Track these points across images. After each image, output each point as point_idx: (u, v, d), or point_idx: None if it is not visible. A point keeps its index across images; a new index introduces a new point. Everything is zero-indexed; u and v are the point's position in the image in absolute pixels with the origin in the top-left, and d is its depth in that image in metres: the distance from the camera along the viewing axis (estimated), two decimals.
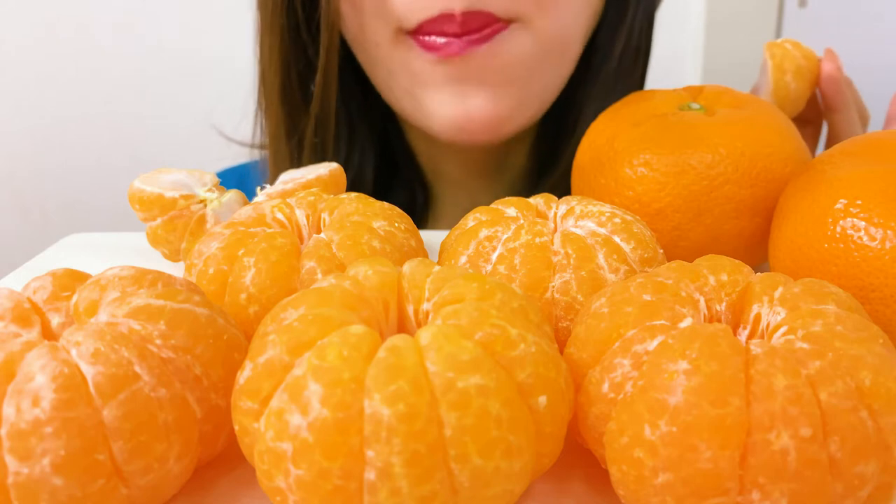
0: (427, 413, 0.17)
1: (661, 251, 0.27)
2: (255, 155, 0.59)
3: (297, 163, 0.52)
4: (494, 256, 0.26)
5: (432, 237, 0.35)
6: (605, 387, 0.20)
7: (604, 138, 0.36)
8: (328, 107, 0.48)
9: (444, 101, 0.45)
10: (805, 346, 0.19)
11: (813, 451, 0.17)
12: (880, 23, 0.84)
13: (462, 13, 0.41)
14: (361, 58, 0.49)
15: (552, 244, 0.25)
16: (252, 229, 0.28)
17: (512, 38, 0.44)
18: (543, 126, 0.55)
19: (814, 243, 0.27)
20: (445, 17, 0.41)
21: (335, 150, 0.51)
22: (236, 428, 0.20)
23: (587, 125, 0.48)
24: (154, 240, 0.34)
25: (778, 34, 1.00)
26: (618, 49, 0.51)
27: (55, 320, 0.23)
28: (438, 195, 0.59)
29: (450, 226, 0.57)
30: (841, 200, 0.27)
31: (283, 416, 0.18)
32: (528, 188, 0.58)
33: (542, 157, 0.57)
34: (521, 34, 0.44)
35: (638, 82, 0.55)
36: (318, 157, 0.51)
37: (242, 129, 0.59)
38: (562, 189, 0.53)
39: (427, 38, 0.43)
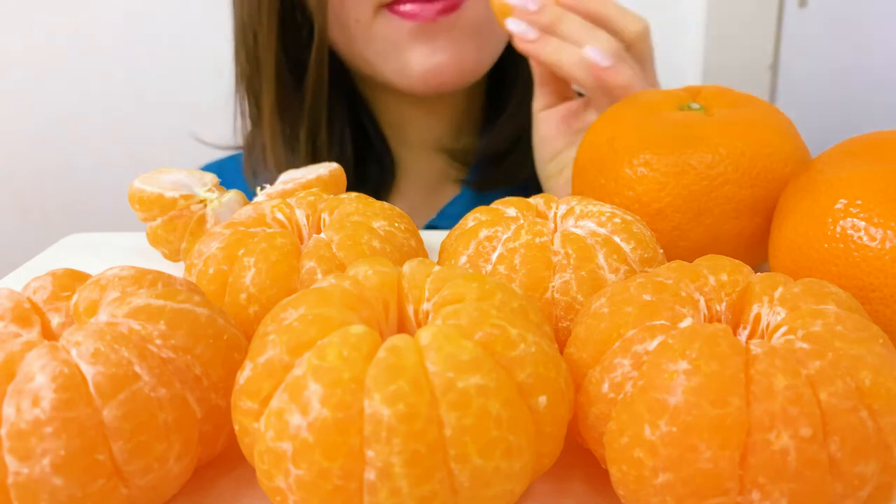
0: (427, 413, 0.17)
1: (661, 251, 0.27)
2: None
3: (294, 140, 0.57)
4: (494, 256, 0.26)
5: (432, 237, 0.35)
6: (605, 387, 0.20)
7: (604, 138, 0.35)
8: (322, 86, 0.55)
9: (417, 59, 0.53)
10: (805, 346, 0.19)
11: (813, 451, 0.17)
12: (880, 23, 0.84)
13: None
14: (337, 34, 0.55)
15: (552, 244, 0.25)
16: (252, 229, 0.28)
17: (473, 4, 0.53)
18: (489, 85, 0.63)
19: (814, 243, 0.27)
20: None
21: (326, 131, 0.58)
22: (236, 428, 0.20)
23: (528, 75, 0.54)
24: (154, 240, 0.34)
25: (778, 34, 1.00)
26: None
27: (55, 320, 0.23)
28: (403, 162, 0.65)
29: (416, 190, 0.64)
30: (841, 200, 0.27)
31: (283, 416, 0.18)
32: (479, 135, 0.65)
33: (490, 108, 0.65)
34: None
35: None
36: (311, 138, 0.57)
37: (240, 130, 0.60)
38: (510, 132, 0.61)
39: (404, 7, 0.51)
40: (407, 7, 0.51)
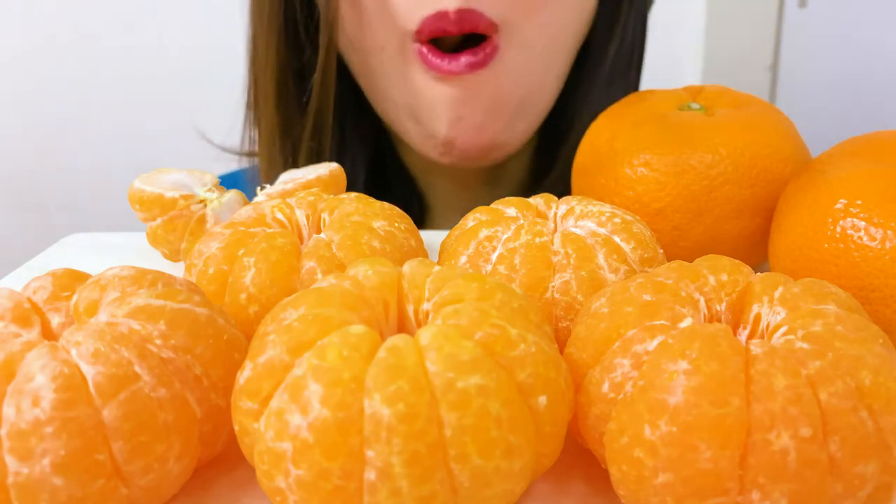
0: (427, 413, 0.17)
1: (661, 251, 0.27)
2: (247, 160, 0.59)
3: (292, 168, 0.51)
4: (494, 256, 0.26)
5: (432, 237, 0.35)
6: (605, 387, 0.20)
7: (604, 138, 0.36)
8: (326, 108, 0.48)
9: (437, 122, 0.46)
10: (805, 346, 0.19)
11: (813, 451, 0.17)
12: (880, 23, 0.84)
13: (455, 11, 0.42)
14: (357, 67, 0.49)
15: (552, 244, 0.25)
16: (252, 229, 0.28)
17: (505, 63, 0.45)
18: (541, 136, 0.56)
19: (814, 243, 0.27)
20: (441, 15, 0.42)
21: (329, 157, 0.51)
22: (236, 428, 0.20)
23: (582, 130, 0.47)
24: (154, 240, 0.34)
25: (778, 34, 1.00)
26: (611, 51, 0.52)
27: (55, 320, 0.23)
28: (432, 205, 0.59)
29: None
30: (841, 200, 0.27)
31: (283, 416, 0.18)
32: (523, 195, 0.58)
33: (539, 166, 0.57)
34: (513, 54, 0.45)
35: (633, 84, 0.55)
36: (313, 163, 0.51)
37: (237, 133, 0.59)
38: (556, 192, 0.53)
39: (432, 56, 0.44)
40: (436, 60, 0.44)
